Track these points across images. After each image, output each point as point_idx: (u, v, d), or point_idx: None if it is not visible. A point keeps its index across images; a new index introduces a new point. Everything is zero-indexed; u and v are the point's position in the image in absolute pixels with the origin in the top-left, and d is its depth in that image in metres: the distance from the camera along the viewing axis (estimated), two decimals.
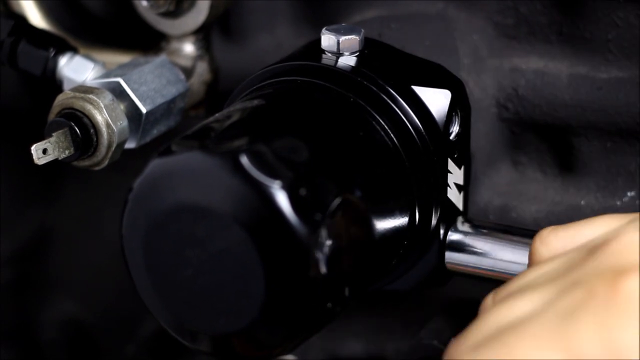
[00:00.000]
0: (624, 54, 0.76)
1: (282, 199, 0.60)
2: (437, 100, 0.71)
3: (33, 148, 0.72)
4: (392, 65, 0.72)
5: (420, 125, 0.70)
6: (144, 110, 0.77)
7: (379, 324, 0.85)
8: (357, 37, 0.72)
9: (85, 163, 0.75)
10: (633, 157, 0.77)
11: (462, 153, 0.73)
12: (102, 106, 0.74)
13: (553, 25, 0.78)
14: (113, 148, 0.74)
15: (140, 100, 0.77)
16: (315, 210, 0.61)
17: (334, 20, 0.82)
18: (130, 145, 0.77)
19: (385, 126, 0.69)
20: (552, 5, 0.78)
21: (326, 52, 0.72)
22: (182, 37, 0.82)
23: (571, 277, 0.53)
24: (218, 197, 0.61)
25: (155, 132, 0.79)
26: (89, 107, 0.74)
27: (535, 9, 0.78)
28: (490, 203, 0.80)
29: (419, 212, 0.70)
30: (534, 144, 0.80)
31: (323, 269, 0.61)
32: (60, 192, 0.93)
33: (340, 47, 0.71)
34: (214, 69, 0.84)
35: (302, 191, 0.61)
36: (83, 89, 0.75)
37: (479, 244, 0.73)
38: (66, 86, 0.79)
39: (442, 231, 0.73)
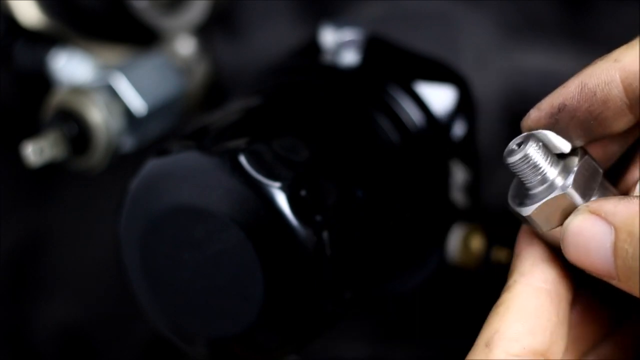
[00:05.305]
0: None
1: (281, 200, 0.59)
2: (440, 98, 0.70)
3: (29, 148, 0.71)
4: (394, 62, 0.71)
5: (423, 125, 0.69)
6: (141, 110, 0.76)
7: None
8: (358, 34, 0.70)
9: (83, 166, 0.75)
10: None
11: (468, 153, 0.72)
12: (99, 106, 0.73)
13: (558, 23, 0.78)
14: (110, 149, 0.74)
15: (138, 101, 0.76)
16: (316, 211, 0.60)
17: (334, 16, 0.81)
18: (127, 146, 0.76)
19: (387, 125, 0.68)
20: (557, 3, 0.77)
21: (326, 50, 0.71)
22: (181, 36, 0.82)
23: None
24: (216, 197, 0.60)
25: (153, 133, 0.78)
26: (86, 107, 0.73)
27: (539, 7, 0.78)
28: (494, 203, 0.80)
29: (421, 213, 0.69)
30: None
31: (323, 272, 0.60)
32: (57, 192, 0.93)
33: (340, 43, 0.70)
34: (214, 68, 0.84)
35: (303, 192, 0.60)
36: (80, 89, 0.74)
37: None
38: (62, 86, 0.78)
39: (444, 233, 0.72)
